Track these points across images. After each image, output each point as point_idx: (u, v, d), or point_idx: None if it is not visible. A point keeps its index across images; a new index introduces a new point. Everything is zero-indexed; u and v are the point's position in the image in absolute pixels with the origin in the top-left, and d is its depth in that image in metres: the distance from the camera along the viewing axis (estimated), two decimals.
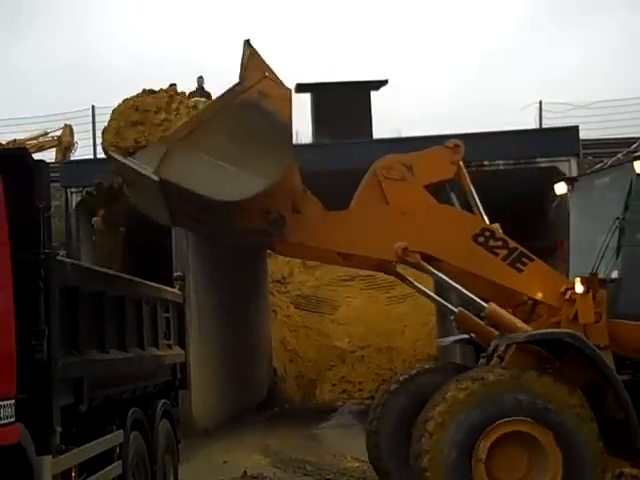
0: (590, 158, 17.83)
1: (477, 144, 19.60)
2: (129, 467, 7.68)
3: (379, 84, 22.93)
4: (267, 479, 12.49)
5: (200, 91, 20.66)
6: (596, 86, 47.40)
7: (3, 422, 5.35)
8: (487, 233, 8.68)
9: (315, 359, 30.95)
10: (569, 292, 8.50)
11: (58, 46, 63.90)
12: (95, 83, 47.94)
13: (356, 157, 15.68)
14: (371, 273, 9.49)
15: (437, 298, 9.74)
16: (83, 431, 6.84)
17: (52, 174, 11.01)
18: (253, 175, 7.42)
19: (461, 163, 9.01)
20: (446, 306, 9.52)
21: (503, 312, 8.73)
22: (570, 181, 9.95)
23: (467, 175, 9.04)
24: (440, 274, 8.74)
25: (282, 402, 26.33)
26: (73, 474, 6.48)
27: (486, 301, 8.83)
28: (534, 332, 8.38)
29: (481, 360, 9.30)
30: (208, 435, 17.36)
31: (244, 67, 7.74)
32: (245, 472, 12.69)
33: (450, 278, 8.84)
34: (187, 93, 20.97)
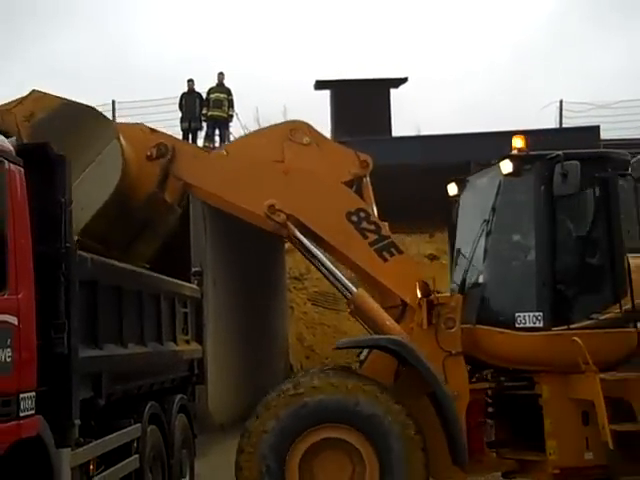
0: None
1: (497, 143, 19.58)
2: (146, 461, 7.73)
3: (399, 82, 22.91)
4: None
5: (220, 87, 20.83)
6: (619, 87, 47.04)
7: (23, 414, 5.39)
8: (362, 214, 8.40)
9: (331, 356, 30.89)
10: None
11: (76, 44, 64.15)
12: (115, 80, 48.08)
13: (375, 155, 15.66)
14: None
15: (333, 274, 8.57)
16: (101, 425, 6.90)
17: None
18: (103, 149, 7.65)
19: (368, 179, 8.77)
20: (343, 286, 8.56)
21: (372, 302, 8.39)
22: (460, 182, 9.62)
23: (370, 192, 8.76)
24: (309, 244, 8.39)
25: None
26: (91, 467, 6.53)
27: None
28: (360, 338, 8.22)
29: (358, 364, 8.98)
30: (224, 430, 17.39)
31: None
32: None
33: (330, 260, 8.55)
34: (208, 88, 21.14)
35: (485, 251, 8.71)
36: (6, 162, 5.51)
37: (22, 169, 5.71)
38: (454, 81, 60.57)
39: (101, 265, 7.00)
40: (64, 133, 7.49)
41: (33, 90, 7.86)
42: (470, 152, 18.32)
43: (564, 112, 21.57)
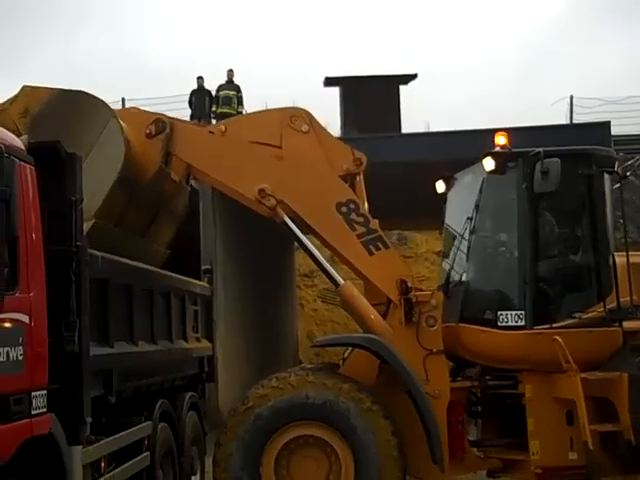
0: (622, 154, 17.66)
1: None
2: (157, 458, 7.73)
3: (408, 78, 22.86)
4: None
5: (230, 84, 20.83)
6: (625, 83, 46.90)
7: (35, 412, 5.41)
8: (352, 206, 8.34)
9: (341, 354, 30.90)
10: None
11: (84, 43, 64.31)
12: (126, 78, 48.21)
13: (384, 151, 15.66)
14: None
15: (321, 263, 8.50)
16: (112, 422, 6.92)
17: None
18: (102, 130, 7.59)
19: (361, 178, 8.73)
20: (330, 277, 8.54)
21: (358, 295, 8.34)
22: (448, 179, 9.55)
23: (363, 191, 8.73)
24: (298, 231, 8.34)
25: None
26: (103, 464, 6.54)
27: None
28: (337, 336, 8.22)
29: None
30: None
31: None
32: None
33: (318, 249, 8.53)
34: (217, 85, 21.13)
35: (468, 249, 8.65)
36: (17, 160, 5.52)
37: (33, 167, 5.71)
38: (463, 77, 60.48)
39: (112, 263, 7.00)
40: (61, 122, 7.46)
41: (24, 86, 7.81)
42: (479, 148, 18.21)
43: (574, 108, 21.50)
